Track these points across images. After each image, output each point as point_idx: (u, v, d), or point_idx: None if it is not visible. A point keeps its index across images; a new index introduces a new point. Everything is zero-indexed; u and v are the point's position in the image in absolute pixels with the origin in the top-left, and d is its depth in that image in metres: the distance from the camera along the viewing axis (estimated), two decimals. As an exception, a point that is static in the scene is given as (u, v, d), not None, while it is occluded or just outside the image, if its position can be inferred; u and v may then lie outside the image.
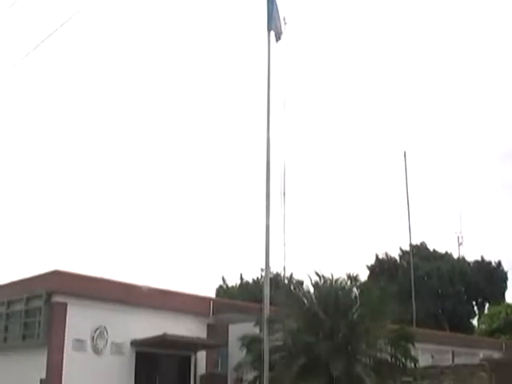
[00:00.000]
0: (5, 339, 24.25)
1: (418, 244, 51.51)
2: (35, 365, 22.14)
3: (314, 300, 16.09)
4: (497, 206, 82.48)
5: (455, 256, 52.66)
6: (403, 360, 15.86)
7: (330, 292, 15.65)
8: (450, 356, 34.32)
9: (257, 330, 16.60)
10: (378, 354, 15.75)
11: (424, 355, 24.44)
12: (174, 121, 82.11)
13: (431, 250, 52.85)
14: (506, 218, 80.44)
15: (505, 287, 53.10)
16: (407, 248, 46.76)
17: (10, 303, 24.33)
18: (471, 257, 53.30)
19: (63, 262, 69.06)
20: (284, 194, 17.30)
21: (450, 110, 79.77)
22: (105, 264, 66.04)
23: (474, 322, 52.49)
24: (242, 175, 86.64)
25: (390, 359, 15.81)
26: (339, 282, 15.79)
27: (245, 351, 16.93)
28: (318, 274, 15.85)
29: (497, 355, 30.68)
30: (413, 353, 16.14)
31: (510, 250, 75.93)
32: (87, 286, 22.48)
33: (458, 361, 29.02)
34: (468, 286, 50.87)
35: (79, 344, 22.09)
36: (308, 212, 79.53)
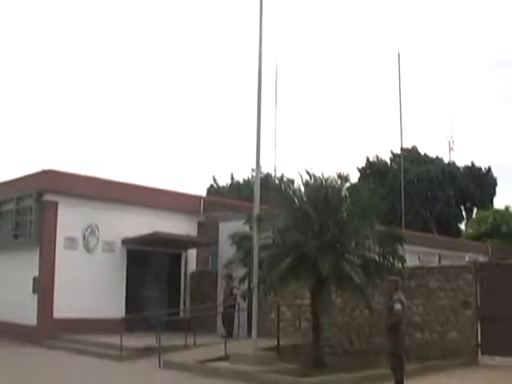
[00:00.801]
0: (-3, 238, 24.48)
1: (409, 148, 51.58)
2: (28, 263, 22.48)
3: (304, 198, 16.11)
4: (489, 112, 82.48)
5: (446, 161, 52.90)
6: (391, 259, 16.04)
7: (320, 190, 15.64)
8: (437, 258, 34.89)
9: (247, 228, 16.73)
10: (367, 253, 15.89)
11: (411, 257, 24.77)
12: (169, 21, 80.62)
13: (422, 153, 53.00)
14: (497, 124, 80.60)
15: (493, 193, 53.55)
16: (398, 151, 46.82)
17: (1, 203, 24.50)
18: (461, 162, 53.66)
19: (54, 161, 69.12)
20: (276, 93, 17.05)
21: (446, 14, 78.58)
22: (96, 163, 66.05)
23: (462, 226, 53.16)
24: (235, 75, 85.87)
25: (378, 258, 15.98)
26: (329, 180, 15.76)
27: (235, 249, 17.09)
28: (308, 173, 15.79)
29: (482, 259, 31.13)
30: (400, 253, 16.33)
31: (500, 155, 76.11)
32: (78, 184, 22.52)
33: (444, 263, 29.41)
34: (457, 191, 51.26)
35: (71, 242, 22.35)
36: (300, 113, 79.21)
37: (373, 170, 52.47)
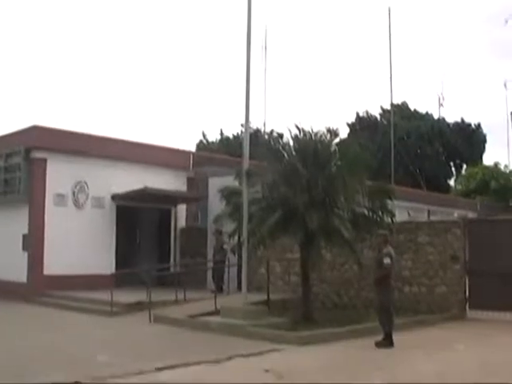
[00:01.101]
0: (-15, 196, 24.33)
1: (399, 103, 51.34)
2: (17, 220, 22.46)
3: (293, 153, 16.02)
4: (479, 68, 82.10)
5: (435, 117, 52.70)
6: (380, 214, 16.04)
7: (309, 145, 15.52)
8: (426, 214, 35.03)
9: (236, 183, 16.65)
10: (356, 208, 15.88)
11: (401, 212, 24.77)
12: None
13: (412, 109, 52.75)
14: (487, 80, 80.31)
15: (483, 149, 53.50)
16: (388, 107, 46.59)
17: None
18: (451, 118, 53.48)
19: (42, 117, 68.70)
20: (266, 48, 16.88)
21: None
22: (85, 119, 65.57)
23: (451, 182, 53.24)
24: (225, 30, 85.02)
25: (367, 213, 15.98)
26: (319, 135, 15.66)
27: (224, 203, 17.05)
28: (297, 127, 15.66)
29: (471, 215, 31.25)
30: (390, 208, 16.33)
31: (490, 112, 75.99)
32: (67, 141, 22.33)
33: (433, 219, 29.55)
34: (447, 147, 51.20)
35: (60, 199, 22.26)
36: (290, 69, 78.60)
37: (362, 126, 52.30)
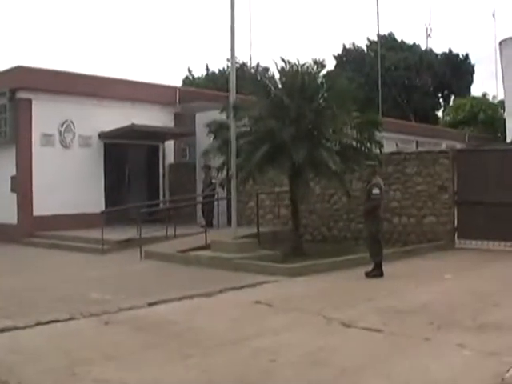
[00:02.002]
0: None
1: (386, 34, 50.85)
2: (5, 163, 22.30)
3: (279, 86, 15.88)
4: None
5: (423, 48, 52.29)
6: (368, 145, 16.02)
7: (296, 77, 15.35)
8: (414, 146, 35.11)
9: (223, 117, 16.53)
10: (344, 140, 15.85)
11: (389, 144, 24.79)
12: None
13: (399, 40, 52.25)
14: (476, 10, 79.46)
15: (471, 80, 53.34)
16: (375, 38, 46.20)
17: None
18: (439, 49, 53.16)
19: (26, 57, 67.75)
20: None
21: None
22: (69, 58, 64.72)
23: (439, 113, 53.22)
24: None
25: (355, 144, 15.95)
26: (305, 67, 15.47)
27: (212, 138, 16.98)
28: (283, 60, 15.45)
29: (459, 146, 31.31)
30: (377, 139, 16.29)
31: (478, 43, 75.44)
32: (52, 80, 22.01)
33: (421, 149, 29.53)
34: (434, 78, 50.95)
35: (47, 139, 22.06)
36: (276, 0, 77.41)
37: (349, 58, 51.88)
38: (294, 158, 14.33)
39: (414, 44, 52.21)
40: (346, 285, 12.36)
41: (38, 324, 8.95)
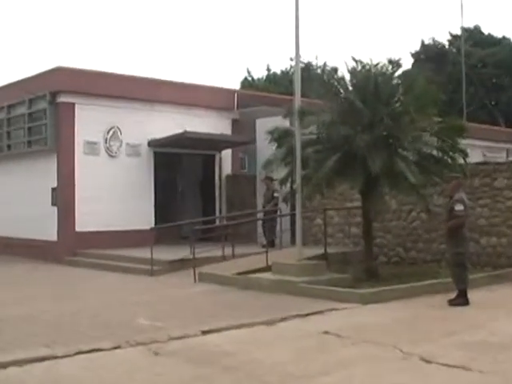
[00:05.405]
0: (8, 147, 24.73)
1: (471, 27, 50.22)
2: (44, 173, 22.71)
3: (350, 88, 15.82)
4: None
5: (514, 41, 51.44)
6: (451, 155, 15.79)
7: (369, 78, 15.26)
8: (505, 155, 34.45)
9: (287, 124, 16.54)
10: (424, 149, 15.68)
11: (474, 153, 24.45)
12: None
13: (486, 34, 51.51)
14: None
15: None
16: (458, 32, 45.64)
17: (10, 107, 24.48)
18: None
19: (67, 58, 69.09)
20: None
21: None
22: (116, 58, 65.75)
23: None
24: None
25: (436, 154, 15.75)
26: (379, 66, 15.38)
27: (274, 147, 16.99)
28: (354, 59, 15.40)
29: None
30: (462, 148, 16.04)
31: None
32: (96, 82, 22.38)
33: (513, 159, 28.99)
34: (528, 77, 50.03)
35: (91, 147, 22.38)
36: (345, -6, 77.49)
37: (428, 55, 51.33)
38: (371, 168, 14.21)
39: (504, 37, 51.34)
40: (425, 314, 12.19)
41: (78, 353, 9.07)
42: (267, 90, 39.44)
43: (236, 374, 8.15)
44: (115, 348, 9.39)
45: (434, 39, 52.40)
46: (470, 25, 50.41)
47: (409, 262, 18.97)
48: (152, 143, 23.52)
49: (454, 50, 48.04)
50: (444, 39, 51.88)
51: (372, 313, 12.33)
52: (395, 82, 15.76)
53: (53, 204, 22.35)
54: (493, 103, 48.74)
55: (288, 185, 17.25)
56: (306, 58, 46.55)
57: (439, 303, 12.73)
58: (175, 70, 73.25)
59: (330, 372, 8.13)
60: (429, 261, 18.49)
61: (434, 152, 15.72)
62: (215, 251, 18.41)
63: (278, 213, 20.82)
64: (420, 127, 15.36)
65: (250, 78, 53.89)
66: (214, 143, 24.60)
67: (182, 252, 18.55)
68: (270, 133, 16.90)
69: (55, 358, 8.85)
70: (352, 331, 10.51)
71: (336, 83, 16.45)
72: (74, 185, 21.97)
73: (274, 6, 78.22)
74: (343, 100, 15.70)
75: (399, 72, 16.00)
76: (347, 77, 16.08)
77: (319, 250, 18.27)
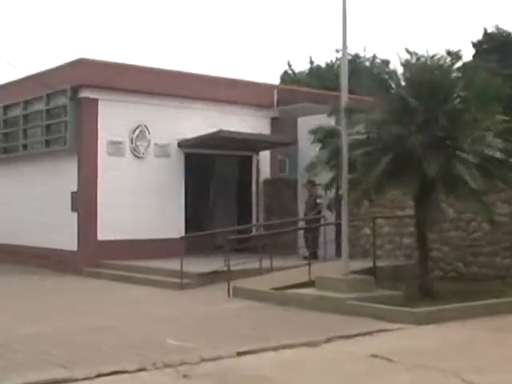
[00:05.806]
0: (24, 147, 24.93)
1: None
2: (64, 176, 22.89)
3: (403, 83, 15.71)
4: None
5: None
6: (517, 158, 15.64)
7: (424, 72, 15.15)
8: None
9: (332, 122, 16.48)
10: (486, 150, 15.51)
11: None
12: None
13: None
14: None
15: None
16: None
17: (27, 103, 24.65)
18: None
19: (89, 50, 69.56)
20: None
21: None
22: (145, 50, 66.15)
23: None
24: None
25: (500, 156, 15.58)
26: (436, 59, 15.25)
27: (318, 148, 16.94)
28: (408, 51, 15.29)
29: None
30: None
31: None
32: (122, 76, 22.50)
33: None
34: None
35: (116, 147, 22.52)
36: (397, -22, 77.26)
37: (492, 45, 50.91)
38: (426, 171, 14.08)
39: None
40: (490, 337, 12.03)
41: (99, 375, 9.05)
42: (310, 85, 39.35)
43: (275, 401, 8.13)
44: (140, 370, 9.38)
45: (498, 27, 51.91)
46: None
47: (469, 277, 18.78)
48: (182, 143, 23.59)
49: (522, 39, 47.62)
50: (510, 27, 51.50)
51: (427, 335, 12.23)
52: (454, 75, 15.60)
53: (72, 210, 22.50)
54: None
55: (333, 190, 17.17)
56: (353, 49, 46.46)
57: (506, 325, 12.64)
58: (209, 63, 73.37)
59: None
60: (491, 277, 18.29)
61: (498, 154, 15.55)
62: (251, 263, 18.39)
63: (322, 221, 20.76)
64: (482, 126, 15.20)
65: (290, 72, 53.82)
66: (250, 144, 24.60)
67: (214, 264, 18.54)
68: (313, 132, 16.85)
69: (74, 380, 8.84)
70: (405, 355, 10.40)
71: (387, 77, 16.35)
72: (96, 189, 22.10)
73: (318, -8, 78.18)
74: (395, 96, 15.59)
75: (459, 64, 15.90)
76: (400, 70, 16.00)
77: (367, 264, 18.22)
